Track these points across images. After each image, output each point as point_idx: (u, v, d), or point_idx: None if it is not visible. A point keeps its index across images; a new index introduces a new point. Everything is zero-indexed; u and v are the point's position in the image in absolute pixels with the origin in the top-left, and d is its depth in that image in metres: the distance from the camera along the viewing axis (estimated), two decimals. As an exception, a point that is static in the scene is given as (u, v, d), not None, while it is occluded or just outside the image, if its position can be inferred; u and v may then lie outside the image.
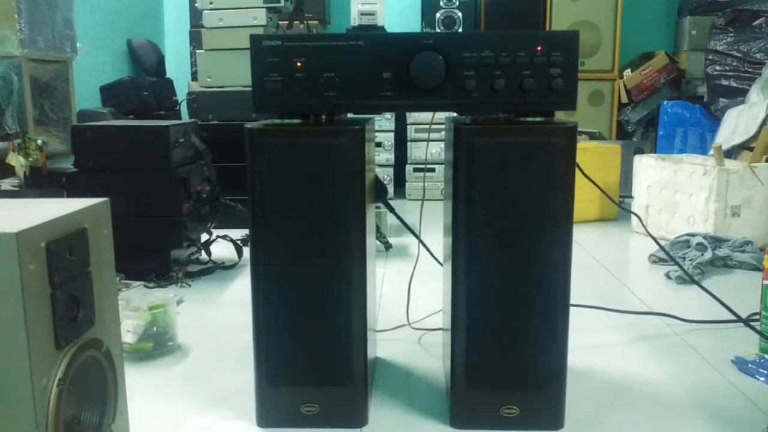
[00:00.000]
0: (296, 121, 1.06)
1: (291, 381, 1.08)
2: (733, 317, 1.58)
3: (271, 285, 1.06)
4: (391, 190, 3.51)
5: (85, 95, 3.31)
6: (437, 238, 1.40)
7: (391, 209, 1.42)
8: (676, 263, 1.55)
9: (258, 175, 1.04)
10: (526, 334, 1.06)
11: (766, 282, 1.38)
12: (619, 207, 1.58)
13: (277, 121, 1.07)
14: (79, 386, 0.89)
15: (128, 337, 1.40)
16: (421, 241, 1.44)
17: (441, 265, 1.42)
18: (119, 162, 1.93)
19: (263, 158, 1.03)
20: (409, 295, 1.50)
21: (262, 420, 1.10)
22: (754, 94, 2.53)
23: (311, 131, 1.03)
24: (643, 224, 1.66)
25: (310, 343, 1.07)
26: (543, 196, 1.02)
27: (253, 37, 1.02)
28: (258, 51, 1.02)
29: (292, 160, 1.03)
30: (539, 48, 1.00)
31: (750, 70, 2.79)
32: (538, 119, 1.04)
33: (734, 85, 2.83)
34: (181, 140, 2.01)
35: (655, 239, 1.47)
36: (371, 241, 1.25)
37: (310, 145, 1.02)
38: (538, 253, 1.03)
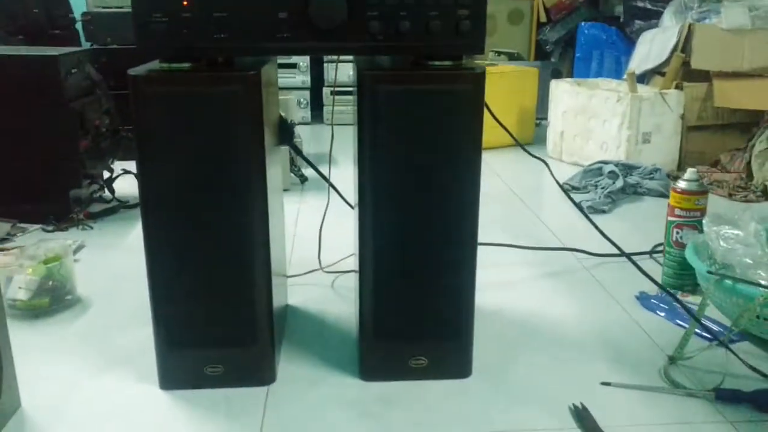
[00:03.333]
0: (186, 65, 0.97)
1: (192, 343, 1.03)
2: (641, 251, 1.62)
3: (165, 243, 0.99)
4: (308, 114, 3.40)
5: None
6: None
7: (299, 152, 1.35)
8: (580, 209, 1.55)
9: (144, 126, 0.95)
10: (433, 284, 1.04)
11: (669, 219, 1.41)
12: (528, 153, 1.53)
13: (165, 65, 0.97)
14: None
15: (21, 294, 1.31)
16: (331, 185, 1.39)
17: (352, 208, 1.38)
18: (5, 97, 1.77)
19: (149, 108, 0.94)
20: (321, 239, 1.46)
21: (165, 383, 1.05)
22: (668, 17, 2.53)
23: (201, 78, 0.95)
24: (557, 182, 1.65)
25: (211, 303, 1.02)
26: (450, 143, 0.98)
27: (130, -27, 0.91)
28: (137, -12, 0.91)
29: (182, 109, 0.94)
30: (446, -13, 0.93)
31: (665, -9, 2.78)
32: (446, 62, 0.99)
33: (649, 6, 2.83)
34: (74, 70, 1.86)
35: (575, 203, 1.47)
36: (276, 184, 1.19)
37: (201, 94, 0.94)
38: (444, 203, 1.00)
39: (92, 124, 1.92)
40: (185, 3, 0.92)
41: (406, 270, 1.04)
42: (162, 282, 1.01)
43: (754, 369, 1.08)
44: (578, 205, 1.51)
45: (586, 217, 1.45)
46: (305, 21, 0.93)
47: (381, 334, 1.06)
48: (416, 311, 1.06)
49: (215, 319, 1.03)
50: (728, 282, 1.15)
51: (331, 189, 1.41)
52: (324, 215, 1.45)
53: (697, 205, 1.37)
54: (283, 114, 1.28)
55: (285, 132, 1.28)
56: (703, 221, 1.31)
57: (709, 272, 1.19)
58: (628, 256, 1.34)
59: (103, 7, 2.50)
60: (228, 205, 0.98)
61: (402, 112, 0.96)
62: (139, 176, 0.97)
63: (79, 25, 2.81)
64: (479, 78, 0.96)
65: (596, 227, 1.43)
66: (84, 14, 2.59)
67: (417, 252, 1.03)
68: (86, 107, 1.88)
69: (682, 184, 1.38)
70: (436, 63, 0.99)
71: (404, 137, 0.97)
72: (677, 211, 1.39)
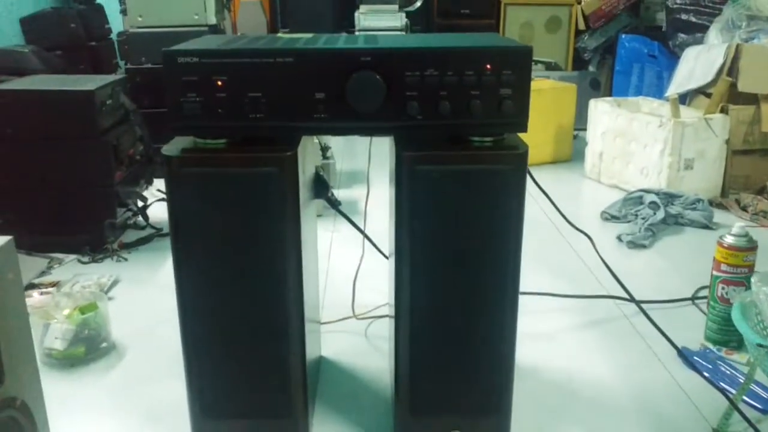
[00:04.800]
0: (221, 141, 0.95)
1: (227, 415, 1.03)
2: (682, 297, 1.58)
3: (200, 318, 0.99)
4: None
5: (3, 29, 3.02)
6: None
7: (334, 206, 1.33)
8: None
9: (179, 205, 0.94)
10: (471, 362, 1.02)
11: (715, 273, 1.36)
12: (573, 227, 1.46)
13: (200, 141, 0.96)
14: (-9, 459, 0.82)
15: (57, 344, 1.32)
16: (366, 237, 1.37)
17: (387, 258, 1.36)
18: (41, 130, 1.78)
19: (183, 188, 0.93)
20: (354, 290, 1.45)
21: (200, 452, 1.05)
22: (713, 34, 2.44)
23: (236, 159, 0.93)
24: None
25: (246, 377, 1.01)
26: (491, 223, 0.95)
27: (166, 54, 0.89)
28: (172, 68, 0.89)
29: (217, 189, 0.93)
30: (488, 66, 0.90)
31: (710, 5, 2.68)
32: (487, 139, 0.96)
33: (693, 20, 2.73)
34: (108, 102, 1.86)
35: (606, 263, 1.42)
36: (311, 236, 1.17)
37: (236, 174, 0.92)
38: (484, 284, 0.97)
39: (126, 154, 1.93)
40: (219, 83, 0.90)
41: (443, 347, 1.01)
42: (196, 357, 1.00)
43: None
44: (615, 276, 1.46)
45: (610, 272, 1.40)
46: (342, 101, 0.91)
47: (417, 411, 1.04)
48: (454, 386, 1.03)
49: (250, 393, 1.02)
50: (779, 355, 1.10)
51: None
52: (358, 268, 1.43)
53: (745, 262, 1.32)
54: (321, 172, 1.27)
55: (320, 186, 1.27)
56: (752, 279, 1.26)
57: (760, 345, 1.14)
58: (644, 310, 1.28)
59: (138, 27, 2.49)
60: (262, 282, 0.97)
61: (442, 192, 0.94)
62: (174, 253, 0.97)
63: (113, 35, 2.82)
64: (522, 158, 0.93)
65: (614, 276, 1.37)
66: (119, 34, 2.60)
67: (454, 327, 1.00)
68: (120, 138, 1.89)
69: (729, 239, 1.32)
70: (476, 139, 0.95)
71: (444, 217, 0.95)
72: (723, 267, 1.33)
